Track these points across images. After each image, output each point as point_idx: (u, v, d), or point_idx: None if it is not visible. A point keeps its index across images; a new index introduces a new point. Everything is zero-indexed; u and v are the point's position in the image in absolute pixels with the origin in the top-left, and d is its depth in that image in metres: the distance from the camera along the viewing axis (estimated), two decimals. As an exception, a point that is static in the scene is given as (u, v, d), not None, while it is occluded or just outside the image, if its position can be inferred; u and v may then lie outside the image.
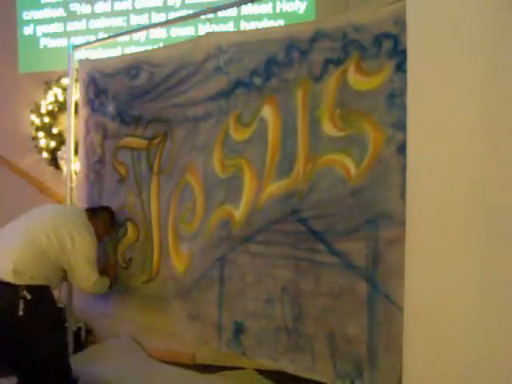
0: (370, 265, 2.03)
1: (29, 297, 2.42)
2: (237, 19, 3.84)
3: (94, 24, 4.18)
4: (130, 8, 4.11)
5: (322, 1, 3.66)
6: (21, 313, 2.39)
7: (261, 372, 3.05)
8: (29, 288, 2.44)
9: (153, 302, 2.90)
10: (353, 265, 2.08)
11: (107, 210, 2.98)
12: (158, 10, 4.03)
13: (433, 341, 1.64)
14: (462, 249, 1.58)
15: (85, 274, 2.65)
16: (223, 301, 2.54)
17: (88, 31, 4.17)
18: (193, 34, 3.85)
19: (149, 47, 3.58)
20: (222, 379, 3.06)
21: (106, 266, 2.99)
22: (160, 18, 4.00)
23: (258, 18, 3.80)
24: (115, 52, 3.98)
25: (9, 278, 2.44)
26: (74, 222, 2.70)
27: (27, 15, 4.34)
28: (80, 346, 3.38)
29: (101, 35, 4.06)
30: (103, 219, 2.90)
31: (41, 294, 2.51)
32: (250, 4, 3.59)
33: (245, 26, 3.82)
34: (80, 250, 2.61)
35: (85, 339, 3.52)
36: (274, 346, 2.35)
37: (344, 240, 2.11)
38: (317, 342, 2.20)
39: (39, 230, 2.58)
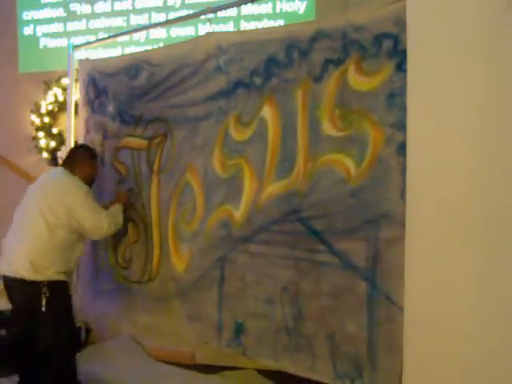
0: (370, 265, 2.03)
1: (49, 293, 2.46)
2: (237, 19, 3.84)
3: (94, 24, 4.18)
4: (130, 8, 4.11)
5: (321, 1, 3.66)
6: (44, 309, 2.45)
7: (261, 372, 3.04)
8: (50, 284, 2.48)
9: (153, 302, 2.90)
10: (353, 265, 2.08)
11: (79, 151, 2.89)
12: (157, 10, 4.03)
13: (433, 341, 1.64)
14: (461, 249, 1.58)
15: (95, 222, 2.64)
16: (223, 301, 2.54)
17: (88, 31, 4.17)
18: (193, 34, 3.85)
19: (149, 47, 3.58)
20: (222, 379, 3.06)
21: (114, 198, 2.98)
22: (160, 18, 4.00)
23: (258, 18, 3.81)
24: (115, 52, 3.98)
25: (29, 275, 2.47)
26: (57, 187, 2.66)
27: (27, 15, 4.35)
28: (80, 345, 3.37)
29: (101, 35, 4.06)
30: (81, 163, 2.80)
31: (60, 289, 2.55)
32: (249, 4, 3.59)
33: (245, 26, 3.82)
34: (78, 207, 2.59)
35: (85, 339, 3.52)
36: (274, 346, 2.35)
37: (344, 240, 2.11)
38: (317, 342, 2.20)
39: (38, 218, 2.57)
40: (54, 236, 2.55)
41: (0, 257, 2.65)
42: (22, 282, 2.49)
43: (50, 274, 2.50)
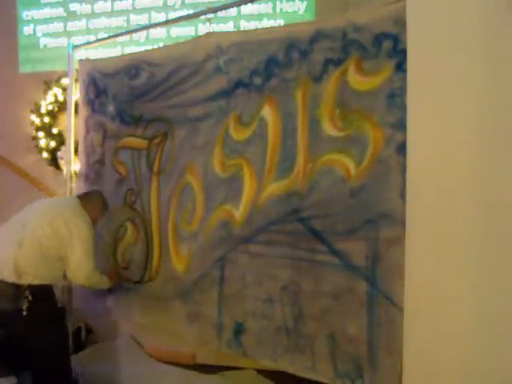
0: (370, 265, 2.03)
1: (31, 297, 2.43)
2: (236, 19, 3.84)
3: (94, 24, 4.18)
4: (130, 8, 4.10)
5: (321, 1, 3.66)
6: (25, 313, 2.42)
7: (261, 372, 3.03)
8: (32, 288, 2.45)
9: (153, 302, 2.90)
10: (353, 265, 2.08)
11: (98, 193, 2.94)
12: (158, 9, 4.03)
13: (433, 341, 1.64)
14: (461, 249, 1.58)
15: (80, 262, 2.56)
16: (223, 301, 2.54)
17: (88, 31, 4.17)
18: (193, 33, 3.85)
19: (149, 47, 3.58)
20: (222, 379, 3.05)
21: (108, 269, 3.00)
22: (160, 17, 4.00)
23: (258, 17, 3.80)
24: (115, 52, 3.97)
25: (12, 278, 2.45)
26: (69, 211, 2.64)
27: (27, 15, 4.34)
28: (80, 346, 3.37)
29: (101, 35, 4.05)
30: (96, 204, 2.84)
31: (43, 293, 2.51)
32: (249, 4, 3.59)
33: (245, 25, 3.81)
34: (77, 238, 2.56)
35: (85, 339, 3.51)
36: (274, 346, 2.35)
37: (344, 240, 2.11)
38: (317, 342, 2.20)
39: (34, 226, 2.55)
40: (44, 248, 2.51)
41: None
42: (5, 284, 2.45)
43: (31, 279, 2.46)
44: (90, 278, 2.66)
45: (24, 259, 2.48)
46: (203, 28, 3.78)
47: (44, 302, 2.52)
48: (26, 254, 2.50)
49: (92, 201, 2.83)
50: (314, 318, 2.22)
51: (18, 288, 2.45)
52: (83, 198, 2.83)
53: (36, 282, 2.48)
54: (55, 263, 2.58)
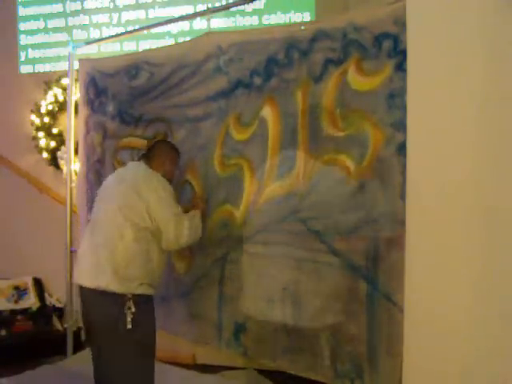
0: (370, 265, 2.03)
1: (134, 309, 2.16)
2: (235, 15, 3.82)
3: (95, 21, 4.16)
4: (132, 3, 4.08)
5: (321, 1, 3.65)
6: (129, 326, 2.14)
7: (261, 372, 3.04)
8: (135, 298, 2.18)
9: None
10: (353, 265, 2.08)
11: (159, 144, 2.56)
12: (159, 4, 4.00)
13: (433, 341, 1.64)
14: (461, 249, 1.58)
15: (175, 225, 2.28)
16: (223, 301, 2.54)
17: (89, 28, 4.15)
18: (191, 29, 3.80)
19: (147, 42, 3.55)
20: (222, 379, 3.06)
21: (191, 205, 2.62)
22: (159, 13, 3.97)
23: (259, 18, 3.79)
24: (113, 46, 3.96)
25: (113, 287, 2.17)
26: (139, 184, 2.30)
27: (27, 13, 4.33)
28: (80, 345, 3.37)
29: (100, 32, 4.04)
30: (162, 155, 2.47)
31: (147, 304, 2.26)
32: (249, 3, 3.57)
33: (242, 21, 3.79)
34: (159, 206, 2.26)
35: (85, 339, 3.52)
36: (274, 346, 2.35)
37: (344, 240, 2.11)
38: (317, 342, 2.20)
39: (120, 219, 2.24)
40: (140, 239, 2.24)
41: (76, 265, 2.40)
42: (104, 295, 2.17)
43: (134, 286, 2.19)
44: (192, 233, 2.38)
45: (126, 265, 2.22)
46: (200, 24, 3.74)
47: (146, 314, 2.26)
48: (126, 258, 2.23)
49: (157, 157, 2.46)
50: (313, 318, 2.21)
51: (120, 298, 2.18)
52: (148, 158, 2.47)
53: (140, 290, 2.23)
54: (152, 252, 2.31)
